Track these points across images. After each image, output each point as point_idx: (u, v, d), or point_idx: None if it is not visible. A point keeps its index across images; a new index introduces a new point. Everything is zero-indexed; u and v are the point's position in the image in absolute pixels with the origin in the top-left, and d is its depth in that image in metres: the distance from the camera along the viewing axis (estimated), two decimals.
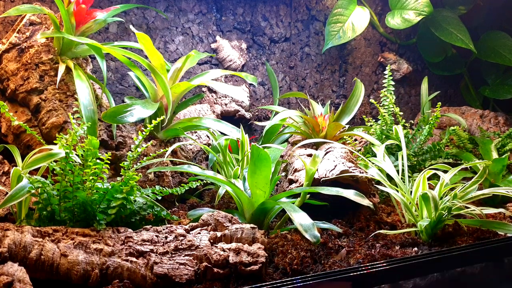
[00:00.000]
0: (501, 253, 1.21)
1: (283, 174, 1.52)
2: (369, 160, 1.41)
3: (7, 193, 1.10)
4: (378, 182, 1.36)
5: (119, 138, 1.43)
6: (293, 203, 1.20)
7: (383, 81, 1.87)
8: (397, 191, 1.31)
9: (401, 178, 1.37)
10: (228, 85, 1.85)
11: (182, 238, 1.00)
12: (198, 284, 0.94)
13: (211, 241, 1.02)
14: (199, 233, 1.04)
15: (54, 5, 1.65)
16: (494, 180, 1.56)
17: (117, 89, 1.84)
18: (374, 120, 1.80)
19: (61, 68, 1.34)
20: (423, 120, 1.83)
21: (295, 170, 1.44)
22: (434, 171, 1.34)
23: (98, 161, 1.05)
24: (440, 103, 1.71)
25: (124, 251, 0.95)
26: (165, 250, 0.97)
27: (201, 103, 1.90)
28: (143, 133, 1.12)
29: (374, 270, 1.02)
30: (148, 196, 1.17)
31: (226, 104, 1.93)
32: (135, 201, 1.12)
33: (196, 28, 1.99)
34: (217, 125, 1.59)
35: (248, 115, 2.00)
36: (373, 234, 1.23)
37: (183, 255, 0.97)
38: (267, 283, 0.93)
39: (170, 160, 1.49)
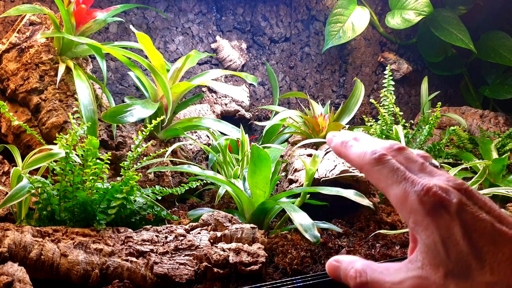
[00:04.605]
0: None
1: (283, 174, 1.52)
2: None
3: (7, 193, 1.10)
4: None
5: (119, 138, 1.43)
6: (293, 203, 1.20)
7: (383, 81, 1.87)
8: None
9: None
10: (228, 85, 1.85)
11: (182, 238, 1.00)
12: (198, 284, 0.94)
13: (211, 241, 1.01)
14: (199, 233, 1.03)
15: (54, 5, 1.65)
16: (494, 180, 1.56)
17: (117, 89, 1.84)
18: (374, 120, 1.80)
19: (61, 68, 1.34)
20: (423, 120, 1.83)
21: (295, 170, 1.44)
22: None
23: (98, 161, 1.05)
24: (440, 103, 1.71)
25: (124, 251, 0.95)
26: (165, 250, 0.97)
27: (201, 103, 1.90)
28: (143, 133, 1.12)
29: None
30: (148, 196, 1.17)
31: (226, 104, 1.93)
32: (135, 201, 1.12)
33: (196, 28, 1.99)
34: (217, 125, 1.59)
35: (248, 115, 2.00)
36: (373, 234, 1.23)
37: (183, 255, 0.97)
38: (267, 283, 0.93)
39: (170, 160, 1.49)
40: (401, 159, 0.49)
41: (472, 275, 0.41)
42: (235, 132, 1.57)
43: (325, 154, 1.45)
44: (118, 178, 1.14)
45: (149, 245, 0.97)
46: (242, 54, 2.03)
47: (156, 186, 1.22)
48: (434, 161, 0.51)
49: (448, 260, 0.42)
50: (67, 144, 1.03)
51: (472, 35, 2.17)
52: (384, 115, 1.75)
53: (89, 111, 1.29)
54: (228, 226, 1.06)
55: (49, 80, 1.37)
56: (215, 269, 0.95)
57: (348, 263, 0.50)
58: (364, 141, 0.53)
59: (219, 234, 1.04)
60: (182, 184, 1.26)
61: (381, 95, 1.84)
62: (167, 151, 1.33)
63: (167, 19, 1.92)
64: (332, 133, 0.56)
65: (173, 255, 0.96)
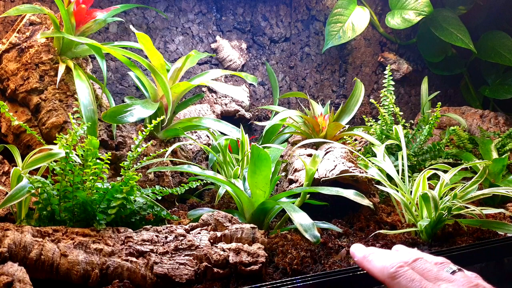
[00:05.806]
0: (501, 253, 1.21)
1: (283, 174, 1.52)
2: (369, 160, 1.41)
3: (7, 193, 1.10)
4: (378, 182, 1.36)
5: (119, 138, 1.43)
6: (293, 203, 1.20)
7: (383, 81, 1.87)
8: (397, 191, 1.31)
9: (401, 178, 1.37)
10: (228, 85, 1.85)
11: (182, 238, 1.00)
12: (198, 284, 0.94)
13: (211, 241, 1.01)
14: (199, 233, 1.03)
15: (54, 5, 1.65)
16: (494, 180, 1.56)
17: (117, 89, 1.84)
18: (374, 120, 1.80)
19: (61, 68, 1.34)
20: (423, 120, 1.83)
21: (295, 170, 1.44)
22: (434, 171, 1.34)
23: (98, 161, 1.05)
24: (440, 103, 1.71)
25: (124, 251, 0.95)
26: (165, 250, 0.97)
27: (201, 103, 1.90)
28: (143, 133, 1.12)
29: None
30: (148, 196, 1.17)
31: (226, 104, 1.93)
32: (135, 201, 1.12)
33: (196, 28, 1.99)
34: (217, 125, 1.59)
35: (248, 115, 2.00)
36: (373, 234, 1.23)
37: (183, 255, 0.97)
38: (267, 283, 0.93)
39: (170, 160, 1.49)
40: (418, 269, 0.61)
41: None
42: (235, 132, 1.57)
43: (325, 154, 1.45)
44: (118, 178, 1.14)
45: (149, 245, 0.97)
46: (242, 54, 2.03)
47: (156, 186, 1.22)
48: (452, 266, 0.63)
49: None
50: (67, 144, 1.03)
51: (472, 35, 2.17)
52: (384, 115, 1.74)
53: (89, 111, 1.29)
54: (228, 226, 1.06)
55: (49, 80, 1.37)
56: (215, 269, 0.95)
57: None
58: (382, 254, 0.69)
59: (219, 234, 1.04)
60: (182, 184, 1.26)
61: (381, 95, 1.84)
62: (167, 151, 1.33)
63: (167, 19, 1.92)
64: (354, 246, 0.79)
65: (173, 255, 0.96)
